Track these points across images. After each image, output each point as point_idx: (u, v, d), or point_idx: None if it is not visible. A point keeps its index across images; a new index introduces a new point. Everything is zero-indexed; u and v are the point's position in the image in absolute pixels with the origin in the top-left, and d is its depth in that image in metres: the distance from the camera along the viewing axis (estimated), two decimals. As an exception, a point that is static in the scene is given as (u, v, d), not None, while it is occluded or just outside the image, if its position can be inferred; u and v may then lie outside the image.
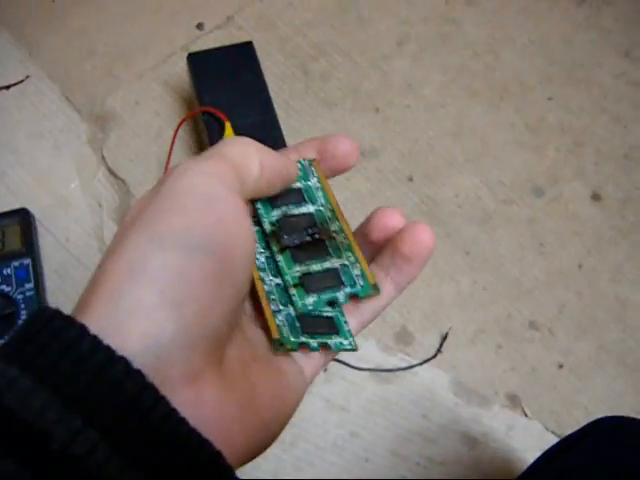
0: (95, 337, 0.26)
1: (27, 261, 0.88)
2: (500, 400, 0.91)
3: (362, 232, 0.40)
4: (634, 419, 0.60)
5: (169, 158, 0.96)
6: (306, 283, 0.37)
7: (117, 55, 1.09)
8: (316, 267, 0.38)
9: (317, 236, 0.39)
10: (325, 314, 0.38)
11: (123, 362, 0.25)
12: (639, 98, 1.13)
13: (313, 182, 0.41)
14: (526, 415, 0.90)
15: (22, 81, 1.04)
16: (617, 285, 0.99)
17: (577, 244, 1.01)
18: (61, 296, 0.90)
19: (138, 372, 0.25)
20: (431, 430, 0.89)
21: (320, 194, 0.41)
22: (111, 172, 0.99)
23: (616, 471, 0.53)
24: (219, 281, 0.29)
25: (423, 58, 1.13)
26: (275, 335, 0.36)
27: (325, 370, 0.90)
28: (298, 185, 0.41)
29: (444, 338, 0.93)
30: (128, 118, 1.03)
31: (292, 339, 0.37)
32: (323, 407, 0.89)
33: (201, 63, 0.94)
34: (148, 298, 0.27)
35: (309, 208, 0.40)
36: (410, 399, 0.90)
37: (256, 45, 0.97)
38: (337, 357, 0.90)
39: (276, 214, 0.39)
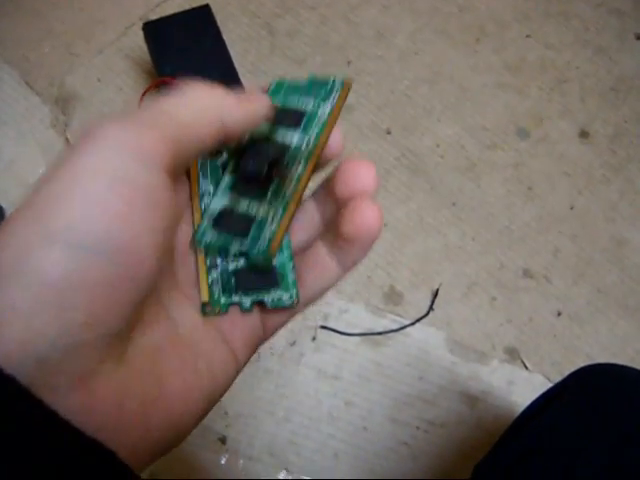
0: None
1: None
2: (498, 355, 0.88)
3: (327, 184, 0.35)
4: (614, 365, 0.57)
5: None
6: (220, 218, 0.33)
7: (75, 32, 1.04)
8: (242, 207, 0.34)
9: (272, 172, 0.34)
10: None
11: None
12: (622, 26, 1.08)
13: (323, 111, 0.35)
14: (526, 368, 0.87)
15: (-22, 69, 1.00)
16: (612, 224, 0.95)
17: (567, 185, 0.97)
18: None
19: (9, 378, 0.22)
20: (429, 392, 0.86)
21: (316, 129, 0.35)
22: (77, 154, 0.95)
23: (591, 426, 0.50)
24: (116, 285, 0.25)
25: (393, 5, 1.08)
26: (204, 298, 0.32)
27: (314, 339, 0.87)
28: (309, 104, 0.35)
29: (435, 295, 0.90)
30: (90, 96, 0.99)
31: (222, 300, 0.33)
32: (314, 377, 0.86)
33: (158, 32, 0.90)
34: (23, 302, 0.23)
35: (294, 139, 0.34)
36: (405, 362, 0.87)
37: (217, 7, 0.92)
38: (325, 324, 0.87)
39: (263, 128, 0.34)
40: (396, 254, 0.92)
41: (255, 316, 0.34)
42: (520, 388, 0.86)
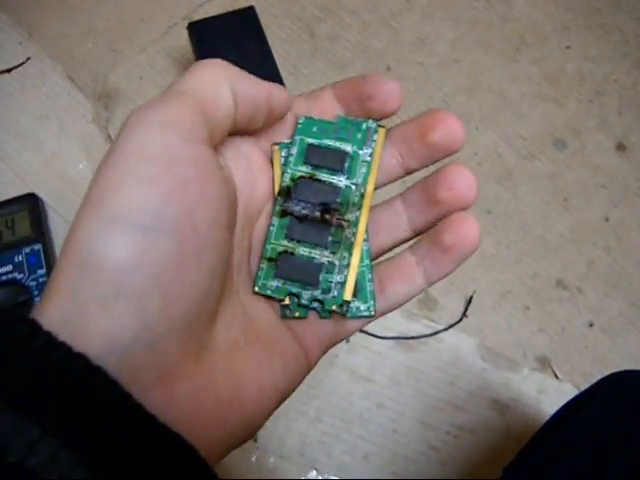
0: (49, 334, 0.23)
1: (38, 247, 0.86)
2: (529, 363, 0.88)
3: (426, 189, 0.36)
4: None
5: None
6: (280, 264, 0.33)
7: (118, 30, 1.06)
8: (303, 251, 0.34)
9: (327, 217, 0.34)
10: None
11: (82, 359, 0.23)
12: (662, 40, 1.09)
13: (364, 152, 0.35)
14: (557, 377, 0.88)
15: (23, 63, 1.02)
16: (647, 237, 0.95)
17: (603, 197, 0.97)
18: (74, 280, 0.88)
19: (98, 369, 0.23)
20: (460, 397, 0.87)
21: (363, 170, 0.35)
22: (118, 150, 0.96)
23: (621, 431, 0.50)
24: (182, 262, 0.26)
25: (434, 12, 1.09)
26: (285, 300, 0.34)
27: (348, 341, 0.88)
28: (347, 148, 0.35)
29: (469, 301, 0.91)
30: (133, 94, 1.00)
31: (298, 311, 0.34)
32: (347, 379, 0.86)
33: (202, 32, 0.91)
34: (102, 292, 0.24)
35: (340, 180, 0.35)
36: (436, 366, 0.88)
37: (260, 9, 0.93)
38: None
39: (303, 170, 0.35)
40: (431, 260, 0.92)
41: (330, 321, 0.35)
42: (550, 397, 0.87)
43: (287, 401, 0.83)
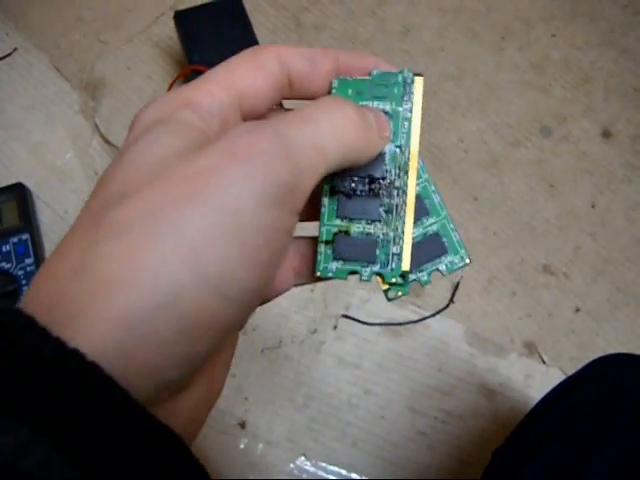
0: (44, 329, 0.21)
1: (25, 236, 0.86)
2: (517, 348, 0.89)
3: None
4: (631, 355, 0.57)
5: (163, 122, 0.94)
6: (337, 245, 0.33)
7: (105, 20, 1.06)
8: (357, 228, 0.33)
9: (375, 188, 0.33)
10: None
11: (76, 355, 0.21)
12: (648, 28, 1.09)
13: (404, 109, 0.33)
14: (544, 362, 0.88)
15: (10, 54, 1.02)
16: (632, 223, 0.95)
17: (589, 183, 0.98)
18: (62, 269, 0.88)
19: (93, 365, 0.21)
20: (447, 383, 0.87)
21: (405, 129, 0.33)
22: (105, 140, 0.96)
23: (608, 415, 0.51)
24: (230, 328, 0.25)
25: (419, 1, 1.09)
26: (386, 285, 0.34)
27: (335, 328, 0.88)
28: (386, 107, 0.33)
29: (456, 287, 0.91)
30: (120, 84, 1.00)
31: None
32: (335, 365, 0.87)
33: (188, 21, 0.91)
34: (164, 329, 0.23)
35: (385, 147, 0.33)
36: (424, 352, 0.88)
37: (246, -1, 0.93)
38: (346, 313, 0.88)
39: None
40: (418, 246, 0.92)
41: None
42: (537, 382, 0.87)
43: (275, 387, 0.83)
